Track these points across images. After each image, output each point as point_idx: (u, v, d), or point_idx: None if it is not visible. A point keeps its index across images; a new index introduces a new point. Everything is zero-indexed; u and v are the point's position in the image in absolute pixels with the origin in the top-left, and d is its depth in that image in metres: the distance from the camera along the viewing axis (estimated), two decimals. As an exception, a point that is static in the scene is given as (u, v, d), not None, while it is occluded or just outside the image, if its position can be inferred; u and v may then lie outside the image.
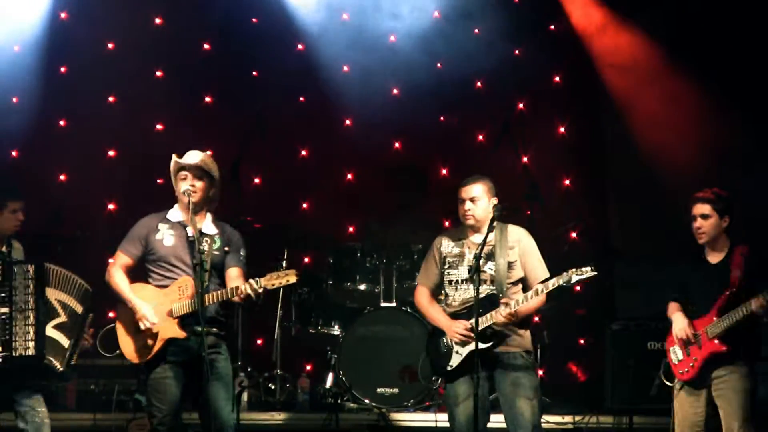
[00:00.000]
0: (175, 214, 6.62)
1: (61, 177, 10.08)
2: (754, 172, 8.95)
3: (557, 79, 10.49)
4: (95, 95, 10.10)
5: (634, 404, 8.28)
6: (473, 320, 6.30)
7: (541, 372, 8.07)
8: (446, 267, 6.63)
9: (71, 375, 6.96)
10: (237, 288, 6.35)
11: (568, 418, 8.42)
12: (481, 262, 6.36)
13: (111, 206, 10.07)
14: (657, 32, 9.78)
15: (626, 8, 9.99)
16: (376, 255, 8.96)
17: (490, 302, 6.42)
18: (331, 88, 10.16)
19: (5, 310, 6.57)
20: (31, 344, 6.57)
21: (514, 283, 6.54)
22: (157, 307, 6.43)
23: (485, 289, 6.46)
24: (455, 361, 6.46)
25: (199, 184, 6.52)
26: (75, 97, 10.02)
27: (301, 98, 10.41)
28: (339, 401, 8.49)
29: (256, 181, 10.32)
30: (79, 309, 6.77)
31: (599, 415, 8.44)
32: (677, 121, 9.58)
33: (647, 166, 9.63)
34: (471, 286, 6.40)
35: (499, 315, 6.36)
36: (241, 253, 6.64)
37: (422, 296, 6.72)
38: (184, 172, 6.53)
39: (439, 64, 10.22)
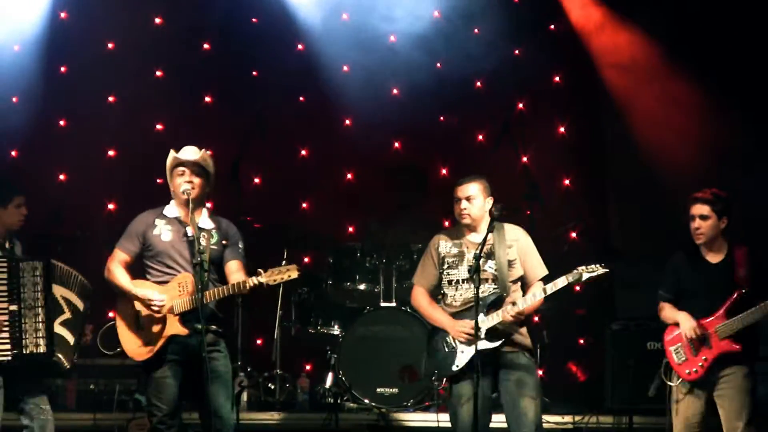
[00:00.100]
0: (172, 209, 6.63)
1: (61, 177, 10.08)
2: (754, 172, 8.95)
3: (557, 79, 10.49)
4: (95, 95, 10.10)
5: (634, 404, 8.27)
6: (479, 319, 6.31)
7: (541, 372, 8.06)
8: (445, 267, 6.63)
9: (73, 373, 6.96)
10: (244, 282, 6.33)
11: (568, 418, 8.42)
12: (481, 261, 6.37)
13: (111, 206, 10.07)
14: (656, 31, 9.77)
15: (625, 7, 9.98)
16: (376, 255, 8.96)
17: (496, 301, 6.43)
18: (331, 88, 10.16)
19: (14, 307, 6.56)
20: (42, 341, 6.58)
21: (514, 282, 6.57)
22: (158, 305, 6.46)
23: (488, 288, 6.48)
24: (461, 361, 6.45)
25: (197, 181, 6.52)
26: (75, 97, 10.02)
27: (301, 98, 10.41)
28: (339, 401, 8.49)
29: (256, 181, 10.32)
30: (80, 305, 6.79)
31: (599, 415, 8.43)
32: (677, 121, 9.58)
33: (647, 166, 9.63)
34: (473, 286, 6.39)
35: (507, 314, 6.38)
36: (240, 246, 6.64)
37: (421, 297, 6.72)
38: (181, 168, 6.53)
39: (439, 64, 10.21)
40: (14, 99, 9.85)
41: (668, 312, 6.65)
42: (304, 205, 10.38)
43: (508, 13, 10.05)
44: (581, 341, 9.92)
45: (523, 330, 6.53)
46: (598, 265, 6.32)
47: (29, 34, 9.75)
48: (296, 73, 10.18)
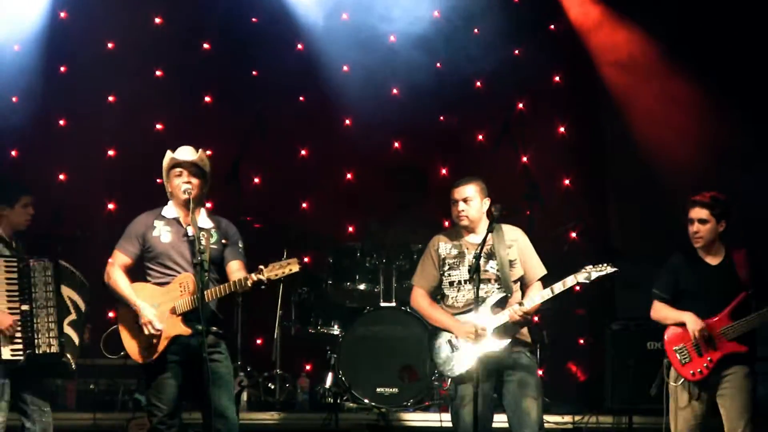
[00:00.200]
0: (170, 210, 6.60)
1: (61, 177, 10.08)
2: (754, 172, 8.95)
3: (557, 78, 10.49)
4: (95, 95, 10.10)
5: (633, 404, 8.27)
6: (484, 320, 6.32)
7: (541, 372, 8.06)
8: (446, 269, 6.61)
9: (75, 373, 6.96)
10: (246, 279, 6.30)
11: (568, 418, 8.43)
12: (481, 262, 6.36)
13: (111, 206, 10.07)
14: (655, 29, 9.77)
15: (624, 5, 9.98)
16: (376, 255, 8.96)
17: (500, 301, 6.43)
18: (331, 88, 10.16)
19: (26, 307, 6.55)
20: (54, 341, 6.57)
21: (515, 282, 6.55)
22: (160, 306, 6.43)
23: (491, 288, 6.48)
24: (468, 361, 6.40)
25: (195, 181, 6.50)
26: (75, 97, 10.02)
27: (301, 98, 10.41)
28: (338, 401, 8.48)
29: (256, 181, 10.32)
30: (83, 305, 6.79)
31: (599, 415, 8.44)
32: (676, 120, 9.58)
33: (647, 166, 9.63)
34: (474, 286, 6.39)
35: (515, 313, 6.37)
36: (240, 246, 6.62)
37: (421, 298, 6.69)
38: (179, 169, 6.51)
39: (439, 64, 10.22)
40: (14, 98, 9.85)
41: (668, 312, 6.62)
42: (304, 205, 10.38)
43: (507, 13, 10.05)
44: (581, 341, 9.92)
45: (525, 330, 6.53)
46: (606, 265, 6.31)
47: (29, 34, 9.76)
48: (296, 73, 10.18)
